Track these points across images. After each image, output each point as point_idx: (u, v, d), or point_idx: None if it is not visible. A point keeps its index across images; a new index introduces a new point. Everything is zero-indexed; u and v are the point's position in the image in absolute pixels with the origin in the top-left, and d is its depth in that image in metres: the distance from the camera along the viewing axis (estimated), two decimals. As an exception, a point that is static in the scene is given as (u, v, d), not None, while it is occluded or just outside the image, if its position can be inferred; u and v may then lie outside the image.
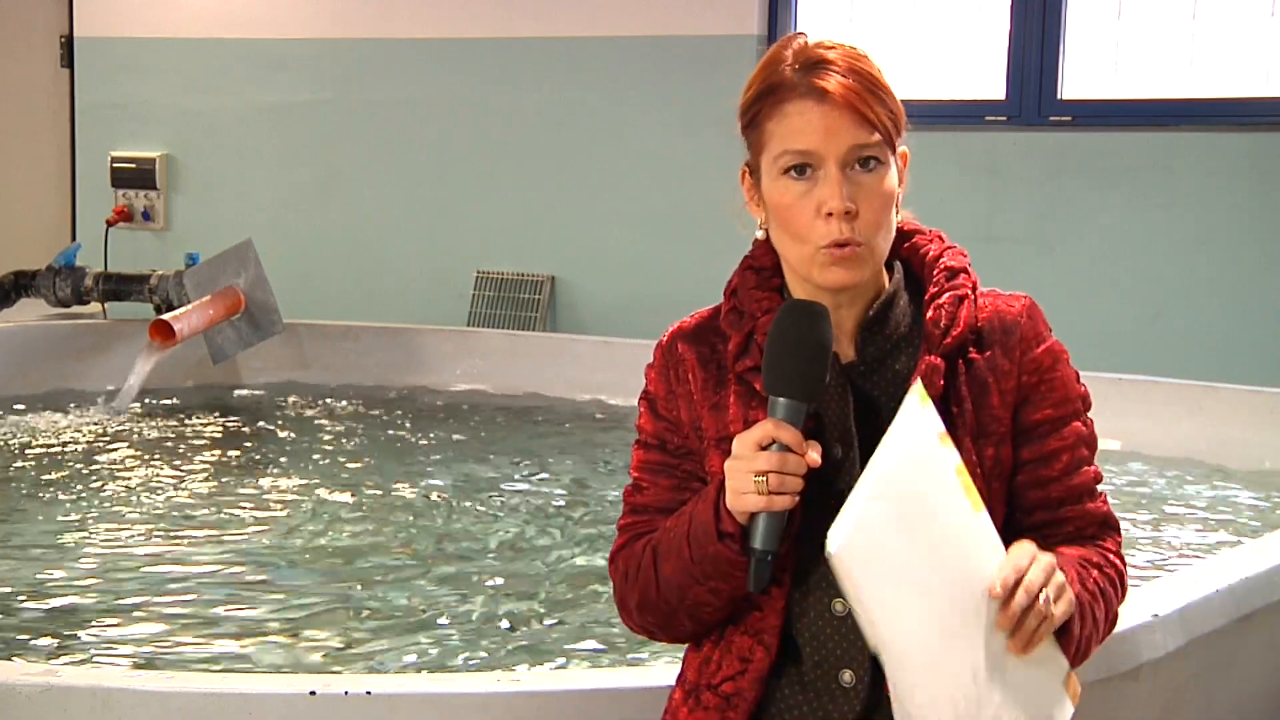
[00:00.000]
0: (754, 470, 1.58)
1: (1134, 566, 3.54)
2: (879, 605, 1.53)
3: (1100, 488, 1.79)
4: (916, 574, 1.54)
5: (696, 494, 1.73)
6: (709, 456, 1.75)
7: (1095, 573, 1.70)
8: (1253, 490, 4.45)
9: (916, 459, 1.57)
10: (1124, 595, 1.76)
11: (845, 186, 1.65)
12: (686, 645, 1.81)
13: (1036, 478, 1.74)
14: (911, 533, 1.55)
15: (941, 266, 1.75)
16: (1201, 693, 2.58)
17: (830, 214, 1.65)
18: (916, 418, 1.59)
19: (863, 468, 1.65)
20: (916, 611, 1.54)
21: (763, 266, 1.78)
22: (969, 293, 1.74)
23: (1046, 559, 1.59)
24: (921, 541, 1.55)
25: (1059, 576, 1.59)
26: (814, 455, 1.60)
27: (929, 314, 1.72)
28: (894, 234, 1.73)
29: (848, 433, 1.69)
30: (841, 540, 1.52)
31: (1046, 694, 1.59)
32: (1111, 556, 1.75)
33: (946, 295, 1.73)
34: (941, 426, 1.60)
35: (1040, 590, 1.56)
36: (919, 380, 1.62)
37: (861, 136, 1.66)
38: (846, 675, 1.67)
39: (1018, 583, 1.55)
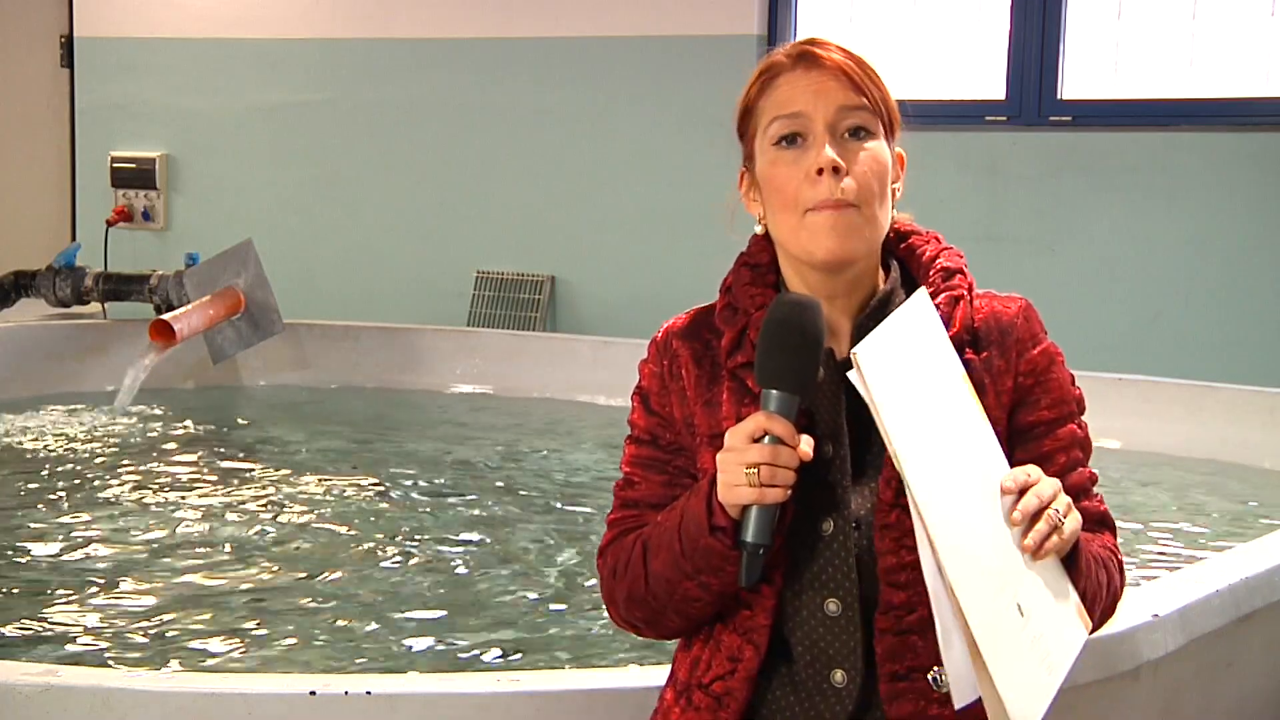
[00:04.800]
0: (746, 462, 1.57)
1: (1133, 567, 3.55)
2: (897, 412, 1.50)
3: (1098, 488, 1.78)
4: (935, 417, 1.53)
5: (688, 490, 1.73)
6: (701, 453, 1.75)
7: (1095, 546, 1.70)
8: (1252, 490, 4.45)
9: (935, 337, 1.60)
10: (1123, 583, 1.76)
11: (835, 148, 1.67)
12: (677, 645, 1.80)
13: None
14: (933, 383, 1.55)
15: (938, 267, 1.75)
16: (1201, 693, 2.58)
17: (820, 171, 1.66)
18: (927, 309, 1.62)
19: (853, 466, 1.67)
20: (936, 443, 1.51)
21: (758, 263, 1.78)
22: (965, 293, 1.73)
23: (1054, 480, 1.58)
24: (942, 399, 1.55)
25: (1065, 498, 1.58)
26: (806, 448, 1.59)
27: None
28: (890, 216, 1.74)
29: (839, 430, 1.68)
30: (868, 347, 1.51)
31: (1063, 606, 1.56)
32: (1111, 546, 1.75)
33: (943, 295, 1.72)
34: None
35: (1050, 502, 1.55)
36: (923, 288, 1.64)
37: (850, 99, 1.68)
38: (838, 675, 1.66)
39: (1027, 487, 1.55)
